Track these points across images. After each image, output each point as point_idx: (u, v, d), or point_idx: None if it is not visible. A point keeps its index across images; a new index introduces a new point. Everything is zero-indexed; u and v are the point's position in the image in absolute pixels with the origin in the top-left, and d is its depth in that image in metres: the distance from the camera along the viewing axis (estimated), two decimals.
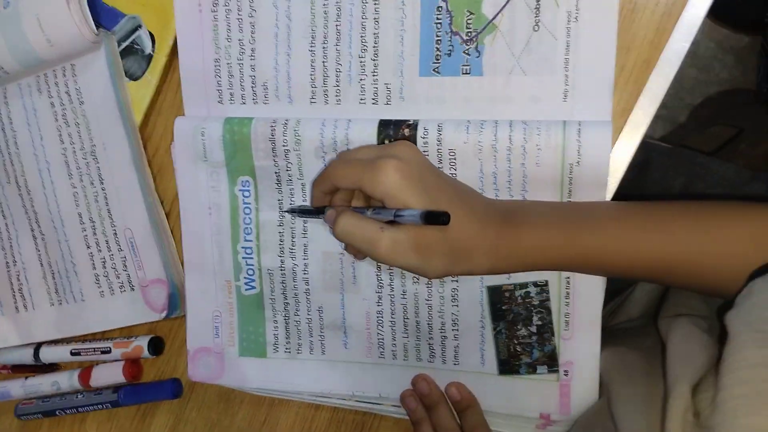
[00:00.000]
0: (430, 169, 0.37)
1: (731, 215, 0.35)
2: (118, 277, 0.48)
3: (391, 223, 0.34)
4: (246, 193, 0.44)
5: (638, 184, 0.57)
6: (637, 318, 0.49)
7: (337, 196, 0.39)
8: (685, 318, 0.38)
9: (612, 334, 0.43)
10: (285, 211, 0.43)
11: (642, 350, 0.39)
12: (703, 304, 0.40)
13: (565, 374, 0.41)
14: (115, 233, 0.47)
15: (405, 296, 0.42)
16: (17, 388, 0.54)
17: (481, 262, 0.36)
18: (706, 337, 0.35)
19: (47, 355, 0.52)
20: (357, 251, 0.39)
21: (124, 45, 0.45)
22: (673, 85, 0.38)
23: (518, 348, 0.41)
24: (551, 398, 0.41)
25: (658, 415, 0.33)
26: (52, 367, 0.54)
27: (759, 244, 0.33)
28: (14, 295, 0.52)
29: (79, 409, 0.52)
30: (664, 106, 0.39)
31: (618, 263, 0.36)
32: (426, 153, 0.39)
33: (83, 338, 0.51)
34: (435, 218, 0.32)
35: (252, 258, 0.45)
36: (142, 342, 0.49)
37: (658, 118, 0.42)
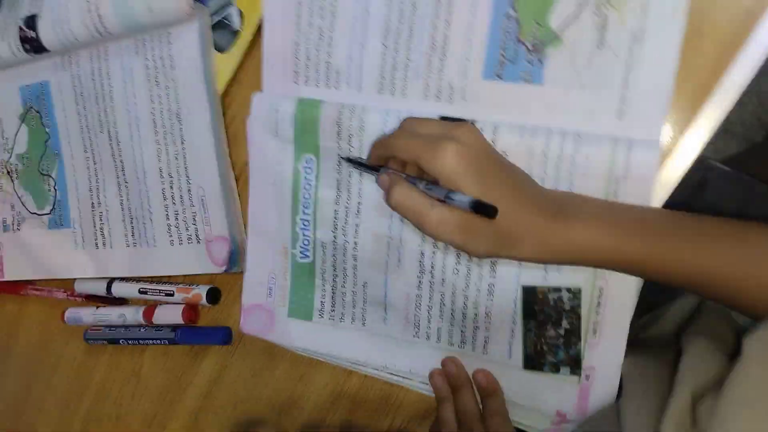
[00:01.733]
0: (488, 154, 0.38)
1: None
2: (187, 230, 0.53)
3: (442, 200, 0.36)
4: (308, 170, 0.47)
5: (690, 204, 0.57)
6: (668, 334, 0.50)
7: (393, 161, 0.41)
8: (707, 337, 0.39)
9: (640, 344, 0.45)
10: (341, 158, 0.45)
11: (662, 364, 0.41)
12: (730, 332, 0.41)
13: (586, 378, 0.43)
14: (189, 190, 0.52)
15: (444, 284, 0.45)
16: (88, 315, 0.60)
17: (527, 250, 0.37)
18: (720, 356, 0.37)
19: (118, 289, 0.58)
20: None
21: (215, 19, 0.49)
22: (753, 102, 0.38)
23: (545, 347, 0.43)
24: (570, 398, 0.43)
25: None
26: (121, 301, 0.60)
27: None
28: (95, 233, 0.58)
29: (140, 341, 0.58)
30: (741, 123, 0.39)
31: (661, 271, 0.37)
32: None
33: (151, 279, 0.57)
34: (483, 209, 0.34)
35: (308, 230, 0.48)
36: (202, 291, 0.55)
37: (732, 136, 0.42)
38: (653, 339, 0.50)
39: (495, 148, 0.40)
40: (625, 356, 0.42)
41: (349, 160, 0.45)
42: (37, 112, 0.58)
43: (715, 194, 0.59)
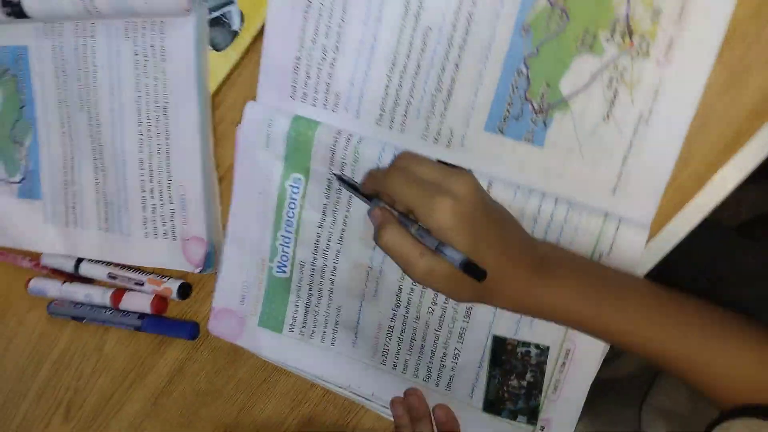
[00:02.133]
0: (481, 209, 0.37)
1: (750, 337, 0.37)
2: (164, 225, 0.52)
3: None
4: (295, 190, 0.46)
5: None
6: (629, 379, 0.52)
7: (386, 195, 0.40)
8: (663, 416, 0.41)
9: (601, 388, 0.47)
10: (334, 175, 0.44)
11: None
12: (690, 403, 0.43)
13: (541, 429, 0.44)
14: (170, 186, 0.51)
15: (417, 320, 0.46)
16: (54, 289, 0.59)
17: (506, 302, 0.38)
18: None
19: (86, 270, 0.57)
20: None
21: (213, 15, 0.47)
22: None
23: (506, 394, 0.45)
24: None
25: None
26: (87, 280, 0.59)
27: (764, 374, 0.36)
28: (67, 211, 0.56)
29: (106, 323, 0.58)
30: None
31: (631, 343, 0.38)
32: None
33: (121, 265, 0.56)
34: (472, 271, 0.35)
35: (288, 247, 0.48)
36: (173, 285, 0.54)
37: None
38: (613, 381, 0.52)
39: (490, 197, 0.40)
40: (584, 416, 0.44)
41: (342, 180, 0.44)
42: (14, 76, 0.55)
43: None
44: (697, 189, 0.39)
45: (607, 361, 0.53)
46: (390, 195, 0.39)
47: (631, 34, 0.37)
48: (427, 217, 0.36)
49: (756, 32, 0.37)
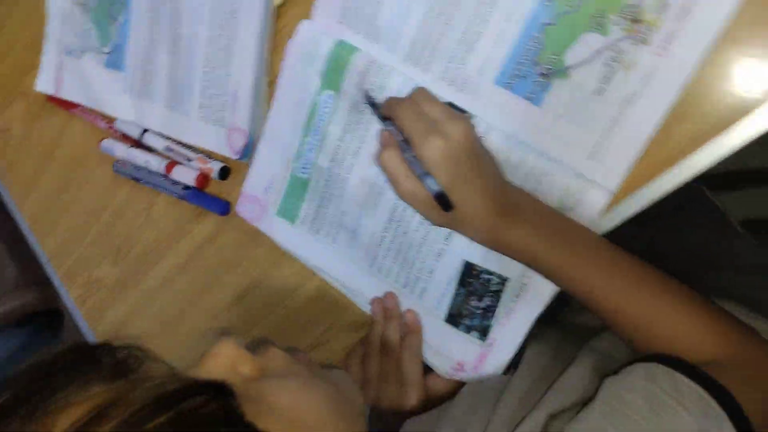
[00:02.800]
0: (468, 153, 0.43)
1: (681, 301, 0.43)
2: (216, 113, 0.61)
3: None
4: (326, 105, 0.54)
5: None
6: (587, 329, 0.57)
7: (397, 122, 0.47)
8: (596, 357, 0.47)
9: (565, 328, 0.54)
10: (364, 92, 0.50)
11: (553, 368, 0.49)
12: (626, 355, 0.48)
13: (488, 345, 0.52)
14: (227, 80, 0.59)
15: (405, 235, 0.53)
16: (121, 150, 0.70)
17: (473, 234, 0.46)
18: (596, 381, 0.44)
19: (149, 140, 0.67)
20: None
21: None
22: None
23: (466, 311, 0.52)
24: (471, 356, 0.53)
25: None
26: (148, 149, 0.69)
27: (684, 337, 0.42)
28: (143, 85, 0.65)
29: (158, 187, 0.68)
30: None
31: (575, 288, 0.45)
32: None
33: (177, 141, 0.66)
34: (442, 202, 0.42)
35: (312, 152, 0.56)
36: (215, 166, 0.63)
37: None
38: (576, 326, 0.58)
39: (481, 144, 0.46)
40: (538, 341, 0.51)
41: (368, 99, 0.50)
42: None
43: (686, 221, 0.65)
44: (663, 169, 0.44)
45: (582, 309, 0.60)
46: (398, 122, 0.46)
47: (637, 21, 0.42)
48: (420, 148, 0.43)
49: (749, 38, 0.40)
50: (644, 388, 0.38)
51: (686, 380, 0.37)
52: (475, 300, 0.52)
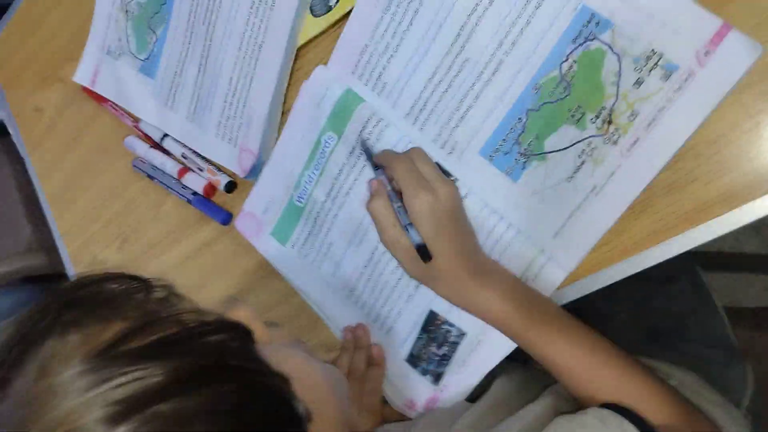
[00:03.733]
0: (451, 215, 0.49)
1: (633, 374, 0.46)
2: (231, 132, 0.66)
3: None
4: (327, 144, 0.58)
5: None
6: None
7: (389, 171, 0.51)
8: (558, 399, 0.49)
9: (528, 369, 0.57)
10: (361, 140, 0.55)
11: (518, 399, 0.52)
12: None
13: (440, 390, 0.56)
14: (245, 105, 0.64)
15: (381, 276, 0.58)
16: (141, 149, 0.75)
17: (443, 291, 0.50)
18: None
19: (168, 144, 0.72)
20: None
21: None
22: None
23: (424, 355, 0.57)
24: (423, 397, 0.57)
25: None
26: (166, 152, 0.74)
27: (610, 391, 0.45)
28: (170, 94, 0.71)
29: (169, 189, 0.73)
30: None
31: (529, 350, 0.48)
32: None
33: (192, 150, 0.71)
34: (421, 252, 0.47)
35: (310, 184, 0.61)
36: (223, 179, 0.68)
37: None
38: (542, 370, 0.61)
39: (463, 209, 0.51)
40: (505, 374, 0.55)
41: (364, 146, 0.55)
42: None
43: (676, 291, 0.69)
44: (618, 259, 0.48)
45: None
46: (391, 173, 0.50)
47: (609, 123, 0.46)
48: (409, 201, 0.48)
49: (708, 154, 0.44)
50: (594, 426, 0.41)
51: (631, 427, 0.41)
52: (434, 347, 0.56)
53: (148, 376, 0.25)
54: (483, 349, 0.53)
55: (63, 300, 0.29)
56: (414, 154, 0.51)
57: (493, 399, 0.53)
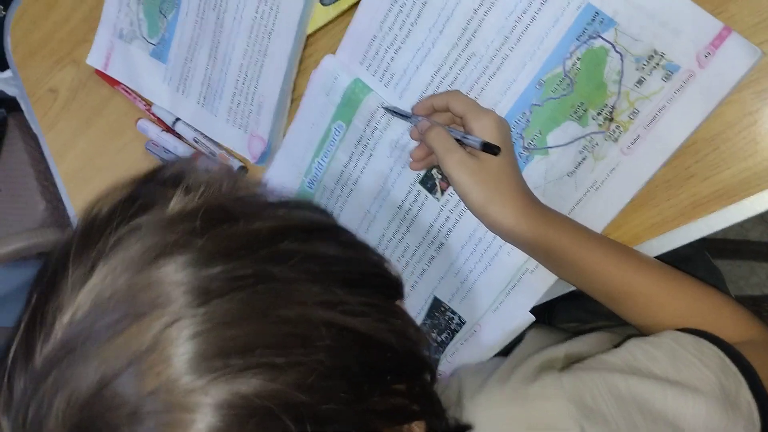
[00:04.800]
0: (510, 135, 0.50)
1: (685, 287, 0.46)
2: (241, 119, 0.67)
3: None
4: (336, 133, 0.60)
5: None
6: None
7: (435, 116, 0.52)
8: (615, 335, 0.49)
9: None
10: (382, 107, 0.55)
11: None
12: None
13: (438, 375, 0.58)
14: (255, 92, 0.65)
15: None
16: (153, 132, 0.77)
17: (507, 216, 0.46)
18: None
19: (180, 128, 0.74)
20: (424, 158, 0.53)
21: None
22: None
23: None
24: None
25: None
26: (178, 136, 0.76)
27: (681, 314, 0.44)
28: (181, 79, 0.72)
29: None
30: None
31: (590, 273, 0.46)
32: (451, 195, 0.53)
33: (204, 135, 0.72)
34: (488, 148, 0.46)
35: (320, 171, 0.62)
36: (235, 164, 0.70)
37: None
38: None
39: None
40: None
41: (388, 108, 0.55)
42: None
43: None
44: None
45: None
46: (448, 104, 0.50)
47: (611, 120, 0.47)
48: (478, 117, 0.48)
49: (706, 151, 0.45)
50: (669, 346, 0.40)
51: (708, 344, 0.40)
52: (435, 332, 0.58)
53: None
54: (474, 339, 0.55)
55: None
56: (457, 92, 0.52)
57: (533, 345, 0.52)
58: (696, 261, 0.72)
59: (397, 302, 0.35)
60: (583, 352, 0.46)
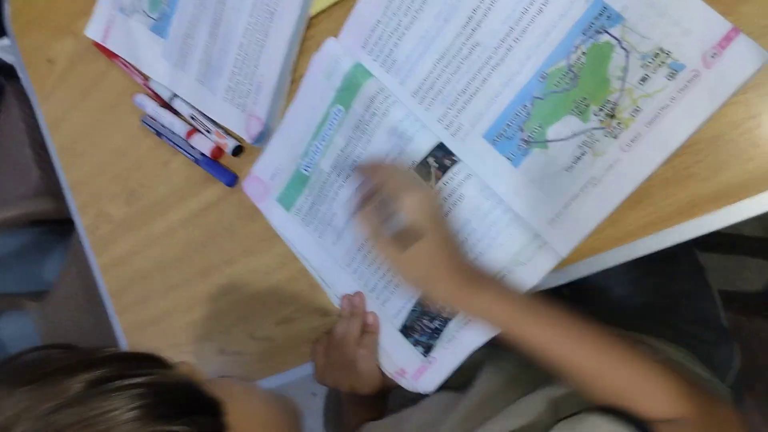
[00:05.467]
0: (443, 211, 0.52)
1: (625, 361, 0.46)
2: (239, 98, 0.66)
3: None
4: (335, 117, 0.59)
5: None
6: None
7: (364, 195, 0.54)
8: (556, 389, 0.50)
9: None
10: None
11: (508, 392, 0.54)
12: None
13: (429, 362, 0.58)
14: (255, 71, 0.64)
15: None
16: (150, 107, 0.76)
17: (440, 294, 0.50)
18: (551, 413, 0.49)
19: (177, 104, 0.73)
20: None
21: None
22: None
23: (417, 327, 0.59)
24: (412, 366, 0.60)
25: None
26: (175, 112, 0.75)
27: (615, 390, 0.45)
28: (181, 55, 0.71)
29: (177, 147, 0.74)
30: None
31: (524, 345, 0.48)
32: (445, 184, 0.53)
33: (201, 112, 0.72)
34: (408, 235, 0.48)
35: (317, 155, 0.62)
36: (231, 143, 0.69)
37: None
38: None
39: (455, 190, 0.53)
40: (493, 366, 0.57)
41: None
42: None
43: (673, 270, 0.72)
44: (608, 247, 0.49)
45: None
46: (375, 180, 0.52)
47: (612, 117, 0.46)
48: (399, 201, 0.50)
49: (707, 151, 0.45)
50: None
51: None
52: (427, 320, 0.58)
53: None
54: (471, 327, 0.55)
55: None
56: (392, 166, 0.54)
57: (481, 394, 0.55)
58: (680, 258, 0.73)
59: None
60: (513, 427, 0.48)
